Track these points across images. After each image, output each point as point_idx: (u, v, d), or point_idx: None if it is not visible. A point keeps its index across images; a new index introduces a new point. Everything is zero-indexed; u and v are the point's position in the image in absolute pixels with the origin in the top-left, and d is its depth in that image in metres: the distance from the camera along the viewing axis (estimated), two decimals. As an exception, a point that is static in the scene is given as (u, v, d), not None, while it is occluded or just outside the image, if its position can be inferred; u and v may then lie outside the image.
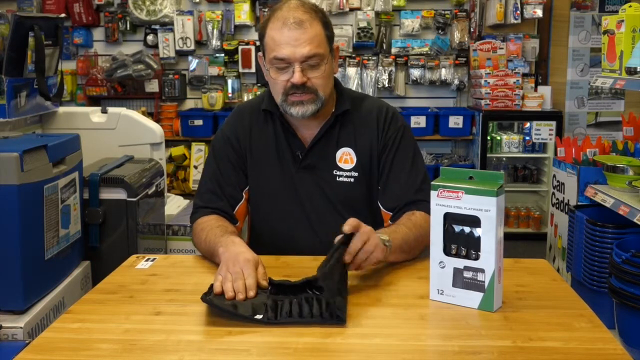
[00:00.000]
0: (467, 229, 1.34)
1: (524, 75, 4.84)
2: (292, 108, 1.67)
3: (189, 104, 5.32)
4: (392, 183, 1.75)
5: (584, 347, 1.17)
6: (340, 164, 1.76)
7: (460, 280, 1.34)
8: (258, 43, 4.97)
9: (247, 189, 1.81)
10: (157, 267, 1.62)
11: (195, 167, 5.04)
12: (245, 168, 1.79)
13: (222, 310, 1.28)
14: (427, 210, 1.42)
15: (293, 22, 1.61)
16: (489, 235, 1.29)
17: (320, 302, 1.30)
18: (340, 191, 1.76)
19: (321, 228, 1.72)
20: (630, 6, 2.66)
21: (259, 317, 1.26)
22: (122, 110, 3.17)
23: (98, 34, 5.24)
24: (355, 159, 1.76)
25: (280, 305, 1.30)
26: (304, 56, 1.62)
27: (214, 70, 5.14)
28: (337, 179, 1.76)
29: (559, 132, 4.65)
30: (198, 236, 1.69)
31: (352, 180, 1.76)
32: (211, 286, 1.37)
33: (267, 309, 1.28)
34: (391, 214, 1.74)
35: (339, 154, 1.76)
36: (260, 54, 1.76)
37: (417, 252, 1.63)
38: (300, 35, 1.61)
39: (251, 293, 1.34)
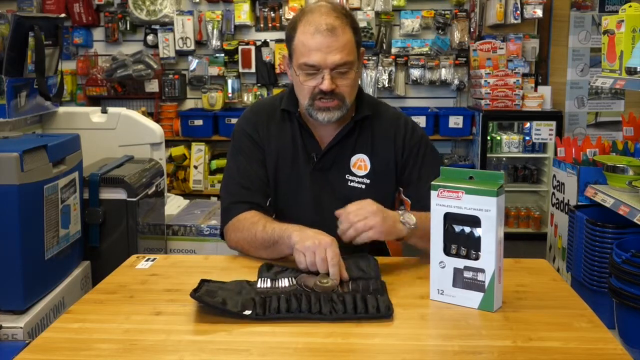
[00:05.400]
0: (467, 229, 1.34)
1: (524, 75, 4.84)
2: (318, 113, 1.68)
3: (189, 104, 5.32)
4: (421, 193, 1.72)
5: (584, 347, 1.17)
6: (354, 170, 1.77)
7: (460, 280, 1.34)
8: (258, 43, 5.04)
9: None
10: (157, 267, 1.62)
11: (195, 167, 5.04)
12: (265, 164, 1.79)
13: (211, 306, 1.29)
14: None
15: (326, 29, 1.60)
16: (489, 235, 1.29)
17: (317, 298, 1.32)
18: (351, 196, 1.74)
19: (328, 230, 1.70)
20: (630, 6, 2.66)
21: (247, 312, 1.28)
22: (122, 110, 3.17)
23: (98, 34, 5.24)
24: (369, 166, 1.77)
25: (269, 301, 1.31)
26: (334, 64, 1.62)
27: (214, 70, 5.15)
28: (349, 184, 1.76)
29: (559, 132, 4.65)
30: (247, 230, 1.65)
31: (363, 186, 1.76)
32: (201, 282, 1.39)
33: (256, 305, 1.30)
34: None
35: (353, 159, 1.77)
36: (285, 54, 1.75)
37: None
38: (332, 42, 1.60)
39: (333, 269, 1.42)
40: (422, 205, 1.72)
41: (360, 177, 1.77)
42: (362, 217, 1.50)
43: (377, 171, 1.77)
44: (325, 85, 1.62)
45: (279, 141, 1.78)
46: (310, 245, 1.46)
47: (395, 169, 1.78)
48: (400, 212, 1.57)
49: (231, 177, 1.78)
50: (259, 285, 1.42)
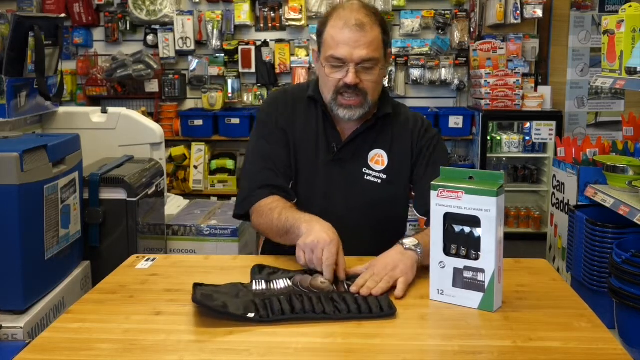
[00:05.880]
0: (467, 229, 1.34)
1: (524, 75, 4.84)
2: (340, 109, 1.72)
3: (189, 104, 5.32)
4: (424, 189, 1.73)
5: (584, 347, 1.17)
6: (371, 164, 1.80)
7: (460, 280, 1.34)
8: (258, 43, 5.04)
9: None
10: (157, 267, 1.62)
11: (195, 167, 5.04)
12: (288, 146, 1.80)
13: (212, 310, 1.28)
14: None
15: (355, 24, 1.65)
16: (489, 235, 1.29)
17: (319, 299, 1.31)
18: (366, 189, 1.79)
19: (338, 222, 1.65)
20: (630, 6, 2.66)
21: (251, 315, 1.27)
22: (122, 110, 3.17)
23: (98, 34, 5.24)
24: (386, 162, 1.80)
25: (269, 303, 1.31)
26: (360, 58, 1.66)
27: (214, 70, 5.14)
28: (365, 177, 1.79)
29: (559, 132, 4.65)
30: (266, 216, 1.68)
31: (379, 181, 1.79)
32: (194, 287, 1.37)
33: (258, 308, 1.29)
34: (425, 218, 1.75)
35: (371, 154, 1.81)
36: (314, 48, 1.81)
37: None
38: (360, 37, 1.65)
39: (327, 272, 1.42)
40: (423, 202, 1.74)
41: (377, 171, 1.80)
42: (383, 275, 1.43)
43: (394, 168, 1.80)
44: (350, 78, 1.66)
45: (303, 126, 1.81)
46: (309, 244, 1.46)
47: (410, 166, 1.82)
48: (398, 244, 1.54)
49: (255, 159, 1.80)
50: (254, 288, 1.41)
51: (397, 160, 1.80)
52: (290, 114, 1.82)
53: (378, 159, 1.80)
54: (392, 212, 1.83)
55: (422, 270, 1.48)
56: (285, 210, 1.65)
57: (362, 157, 1.80)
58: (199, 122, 5.02)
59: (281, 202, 1.70)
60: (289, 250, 1.66)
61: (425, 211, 1.73)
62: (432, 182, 1.36)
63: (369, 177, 1.79)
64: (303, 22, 4.98)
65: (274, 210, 1.67)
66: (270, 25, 5.12)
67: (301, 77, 5.05)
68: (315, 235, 1.48)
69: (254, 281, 1.45)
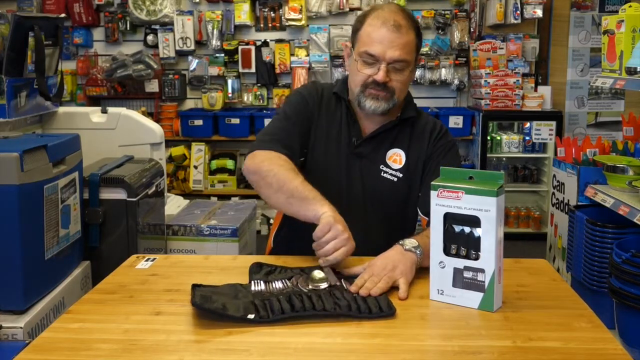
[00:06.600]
0: (467, 229, 1.34)
1: (524, 75, 4.84)
2: (367, 100, 1.76)
3: (189, 104, 5.32)
4: (428, 190, 1.74)
5: (584, 347, 1.17)
6: (389, 162, 1.84)
7: (460, 280, 1.34)
8: (258, 43, 5.04)
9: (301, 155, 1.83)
10: (157, 267, 1.62)
11: (195, 167, 5.04)
12: (309, 134, 1.83)
13: (212, 312, 1.27)
14: None
15: (392, 25, 1.70)
16: (489, 235, 1.30)
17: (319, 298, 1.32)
18: (382, 187, 1.81)
19: (352, 213, 1.66)
20: (630, 6, 2.66)
21: (251, 316, 1.27)
22: (122, 110, 3.17)
23: (98, 34, 5.24)
24: (404, 161, 1.83)
25: (268, 304, 1.31)
26: (392, 59, 1.70)
27: (214, 70, 5.15)
28: (382, 174, 1.82)
29: (559, 132, 4.65)
30: (271, 161, 1.66)
31: (395, 179, 1.82)
32: (193, 288, 1.37)
33: (257, 309, 1.29)
34: (427, 219, 1.74)
35: (390, 152, 1.84)
36: (348, 43, 1.85)
37: None
38: (396, 38, 1.70)
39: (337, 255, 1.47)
40: (425, 200, 1.74)
41: (394, 169, 1.83)
42: (382, 275, 1.43)
43: (411, 167, 1.83)
44: (380, 76, 1.71)
45: (328, 118, 1.85)
46: (340, 230, 1.48)
47: (422, 166, 1.84)
48: (398, 244, 1.54)
49: (270, 129, 1.81)
50: (252, 288, 1.41)
51: (413, 162, 1.84)
52: (320, 102, 1.86)
53: (396, 157, 1.84)
54: (404, 211, 1.85)
55: (422, 270, 1.48)
56: (298, 176, 1.63)
57: (380, 154, 1.83)
58: (199, 122, 5.03)
59: (292, 164, 1.68)
60: (297, 248, 1.67)
61: (427, 211, 1.74)
62: (432, 182, 1.37)
63: (385, 175, 1.82)
64: (303, 22, 4.98)
65: (285, 166, 1.65)
66: (270, 25, 5.12)
67: (301, 77, 5.05)
68: (347, 230, 1.50)
69: (252, 282, 1.45)
